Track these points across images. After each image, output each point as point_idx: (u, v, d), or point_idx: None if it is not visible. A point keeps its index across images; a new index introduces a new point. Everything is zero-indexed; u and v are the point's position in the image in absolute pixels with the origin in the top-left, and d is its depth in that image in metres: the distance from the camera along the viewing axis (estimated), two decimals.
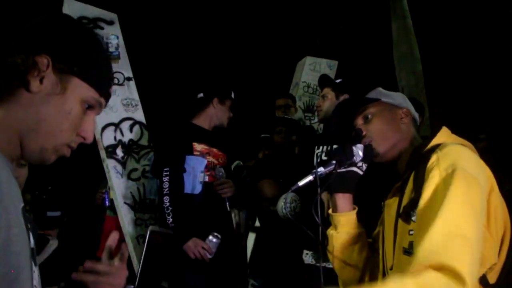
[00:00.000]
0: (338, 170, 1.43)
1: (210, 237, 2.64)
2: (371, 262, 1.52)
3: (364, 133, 1.46)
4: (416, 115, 1.55)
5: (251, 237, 4.17)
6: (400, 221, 1.30)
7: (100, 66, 0.94)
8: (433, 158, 1.23)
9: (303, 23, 6.53)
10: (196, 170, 2.77)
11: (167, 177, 2.69)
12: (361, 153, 1.42)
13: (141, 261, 2.49)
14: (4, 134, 0.84)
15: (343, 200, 1.48)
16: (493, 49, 6.09)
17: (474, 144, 1.37)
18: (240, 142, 3.01)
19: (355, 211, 1.50)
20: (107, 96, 0.96)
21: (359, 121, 1.50)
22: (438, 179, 1.17)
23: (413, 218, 1.23)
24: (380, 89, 1.57)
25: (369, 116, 1.47)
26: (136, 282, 2.47)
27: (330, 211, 1.52)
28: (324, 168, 1.42)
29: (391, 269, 1.33)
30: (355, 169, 1.45)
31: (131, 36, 4.00)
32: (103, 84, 0.94)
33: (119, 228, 3.80)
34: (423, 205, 1.17)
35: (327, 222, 1.54)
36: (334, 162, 1.42)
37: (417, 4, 6.00)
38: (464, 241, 1.05)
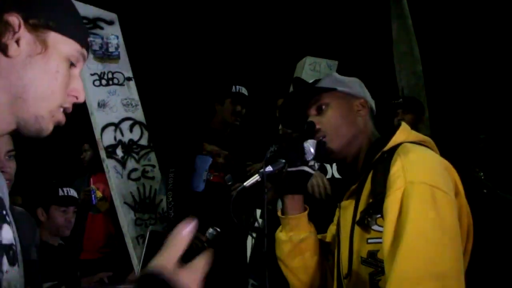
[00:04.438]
0: (288, 169, 1.30)
1: (210, 230, 2.68)
2: (325, 266, 1.43)
3: (317, 126, 1.31)
4: (373, 106, 1.40)
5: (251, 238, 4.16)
6: (356, 227, 1.19)
7: (73, 15, 0.87)
8: (397, 164, 1.10)
9: (303, 23, 6.52)
10: (201, 169, 2.84)
11: (172, 177, 2.89)
12: (312, 150, 1.28)
13: (141, 261, 2.49)
14: None
15: (293, 201, 1.36)
16: (493, 49, 6.09)
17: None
18: (244, 143, 3.05)
19: (305, 213, 1.38)
20: (87, 46, 0.89)
21: (312, 112, 1.35)
22: (405, 195, 1.04)
23: (373, 227, 1.14)
24: (336, 75, 1.42)
25: (323, 107, 1.32)
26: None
27: (279, 213, 1.41)
28: (273, 167, 1.29)
29: (345, 277, 1.23)
30: (306, 168, 1.30)
31: (131, 36, 4.00)
32: (81, 34, 0.87)
33: (104, 227, 3.81)
34: (390, 229, 1.04)
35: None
36: (283, 161, 1.30)
37: (417, 4, 6.00)
38: (441, 283, 0.94)
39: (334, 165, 2.46)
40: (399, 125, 1.29)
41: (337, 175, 2.45)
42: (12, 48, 0.77)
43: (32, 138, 0.84)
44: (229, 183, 2.83)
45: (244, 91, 3.05)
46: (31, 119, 0.81)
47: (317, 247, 1.40)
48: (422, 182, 1.04)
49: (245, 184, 1.30)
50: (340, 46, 6.36)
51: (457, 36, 6.29)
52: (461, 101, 6.38)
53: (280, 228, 1.40)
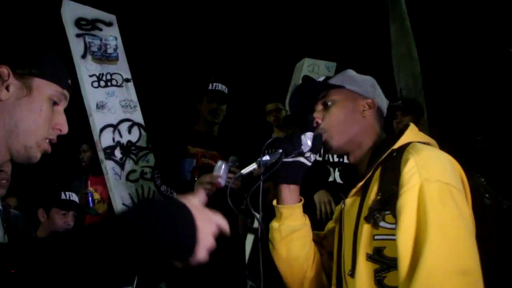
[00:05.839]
0: (284, 160, 1.31)
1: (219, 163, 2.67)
2: (320, 261, 1.44)
3: (316, 121, 1.36)
4: (384, 107, 1.42)
5: (250, 238, 4.16)
6: (362, 224, 1.20)
7: (54, 62, 1.03)
8: (410, 162, 1.11)
9: (302, 24, 6.53)
10: (186, 171, 2.79)
11: (158, 179, 2.81)
12: (309, 143, 1.32)
13: None
14: None
15: (288, 191, 1.37)
16: (492, 51, 6.11)
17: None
18: (241, 144, 2.99)
19: (300, 204, 1.40)
20: (68, 87, 1.06)
21: (319, 107, 1.39)
22: (422, 193, 1.05)
23: (381, 223, 1.14)
24: (350, 72, 1.44)
25: (329, 103, 1.36)
26: (135, 284, 2.46)
27: (274, 202, 1.42)
28: (270, 156, 1.30)
29: (349, 274, 1.23)
30: (302, 159, 1.34)
31: (130, 38, 4.00)
32: (61, 77, 1.04)
33: None
34: (407, 226, 1.04)
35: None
36: (280, 150, 1.30)
37: (415, 5, 6.01)
38: (467, 279, 0.95)
39: (337, 169, 2.47)
40: (407, 125, 1.31)
41: (339, 180, 2.45)
42: (3, 93, 0.94)
43: (23, 164, 1.01)
44: (234, 162, 2.77)
45: (221, 87, 2.93)
46: (22, 149, 0.97)
47: (309, 239, 1.41)
48: (437, 180, 1.06)
49: (242, 171, 1.31)
50: (338, 48, 6.37)
51: (456, 37, 6.30)
52: (459, 102, 6.39)
53: (274, 219, 1.42)
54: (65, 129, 1.05)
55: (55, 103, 1.02)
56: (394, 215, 1.10)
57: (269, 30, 6.30)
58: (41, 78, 0.99)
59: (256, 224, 4.39)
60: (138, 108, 3.76)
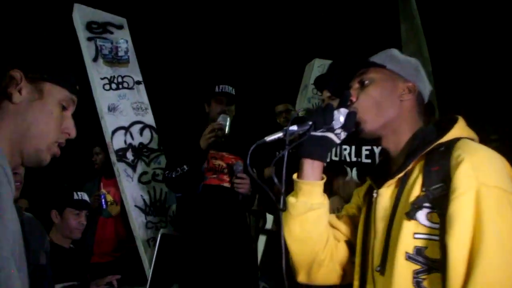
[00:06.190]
0: (312, 133, 1.22)
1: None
2: (334, 247, 1.36)
3: (353, 99, 1.26)
4: (426, 93, 1.33)
5: (262, 240, 4.16)
6: (401, 219, 1.12)
7: (64, 68, 1.07)
8: (465, 163, 1.03)
9: (312, 25, 6.52)
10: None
11: (170, 174, 2.79)
12: (342, 119, 1.22)
13: (152, 264, 2.49)
14: (3, 144, 0.95)
15: (311, 167, 1.27)
16: (505, 49, 6.04)
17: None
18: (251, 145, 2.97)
19: (322, 182, 1.29)
20: (76, 92, 1.09)
21: (355, 85, 1.30)
22: (479, 198, 0.99)
23: (423, 222, 1.07)
24: (393, 51, 1.34)
25: (366, 82, 1.27)
26: (148, 285, 2.47)
27: (294, 176, 1.31)
28: (298, 127, 1.22)
29: (378, 270, 1.17)
30: (331, 135, 1.24)
31: (141, 40, 4.02)
32: (70, 83, 1.08)
33: (115, 231, 3.83)
34: (462, 231, 0.98)
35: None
36: (310, 122, 1.22)
37: (426, 4, 5.96)
38: None
39: (354, 169, 2.45)
40: (456, 118, 1.22)
41: (356, 180, 2.43)
42: (16, 96, 0.98)
43: (33, 168, 1.05)
44: (240, 168, 2.76)
45: (227, 89, 2.94)
46: (32, 153, 1.00)
47: (325, 221, 1.33)
48: (495, 186, 1.00)
49: (266, 138, 1.23)
50: (348, 48, 6.34)
51: (467, 35, 6.24)
52: (471, 101, 6.33)
53: (292, 193, 1.32)
54: (73, 133, 1.08)
55: (64, 108, 1.06)
56: (440, 214, 1.05)
57: (279, 31, 6.30)
58: (52, 83, 1.03)
59: (268, 225, 4.39)
60: (150, 110, 3.78)
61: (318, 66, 4.98)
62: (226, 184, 2.81)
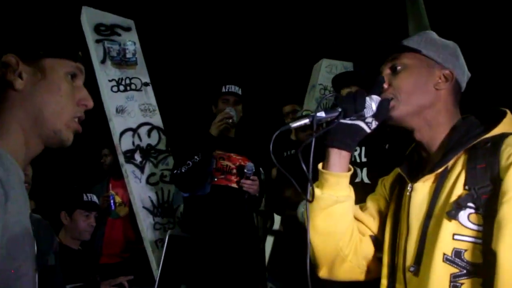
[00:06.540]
0: (341, 120, 1.13)
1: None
2: (358, 241, 1.28)
3: (385, 86, 1.18)
4: (463, 81, 1.23)
5: (269, 240, 4.16)
6: (440, 218, 1.05)
7: (60, 38, 0.99)
8: None
9: (319, 25, 6.51)
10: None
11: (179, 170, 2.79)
12: (374, 107, 1.13)
13: (160, 265, 2.50)
14: (15, 136, 0.91)
15: (338, 157, 1.17)
16: None
17: None
18: (259, 145, 2.99)
19: (349, 173, 1.20)
20: (80, 59, 1.01)
21: (386, 70, 1.21)
22: None
23: (464, 223, 1.01)
24: (430, 34, 1.24)
25: (398, 67, 1.18)
26: (156, 286, 2.48)
27: (319, 166, 1.22)
28: (326, 113, 1.13)
29: (411, 270, 1.10)
30: (362, 124, 1.15)
31: (148, 42, 4.04)
32: (70, 51, 1.00)
33: (123, 232, 3.84)
34: None
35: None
36: (339, 109, 1.13)
37: (434, 3, 5.93)
38: None
39: (365, 169, 2.42)
40: (503, 112, 1.13)
41: (366, 180, 2.40)
42: (18, 82, 0.91)
43: (58, 149, 0.98)
44: (250, 169, 2.75)
45: (234, 89, 2.94)
46: (51, 134, 0.94)
47: (350, 215, 1.25)
48: None
49: (291, 124, 1.15)
50: (356, 48, 6.32)
51: (475, 35, 6.20)
52: (481, 100, 6.28)
53: (316, 183, 1.23)
54: (90, 103, 1.01)
55: (72, 77, 0.98)
56: (485, 216, 0.98)
57: (286, 32, 6.29)
58: (50, 57, 0.95)
59: (276, 226, 4.38)
60: (157, 111, 3.80)
61: (326, 67, 4.97)
62: (234, 185, 2.82)
